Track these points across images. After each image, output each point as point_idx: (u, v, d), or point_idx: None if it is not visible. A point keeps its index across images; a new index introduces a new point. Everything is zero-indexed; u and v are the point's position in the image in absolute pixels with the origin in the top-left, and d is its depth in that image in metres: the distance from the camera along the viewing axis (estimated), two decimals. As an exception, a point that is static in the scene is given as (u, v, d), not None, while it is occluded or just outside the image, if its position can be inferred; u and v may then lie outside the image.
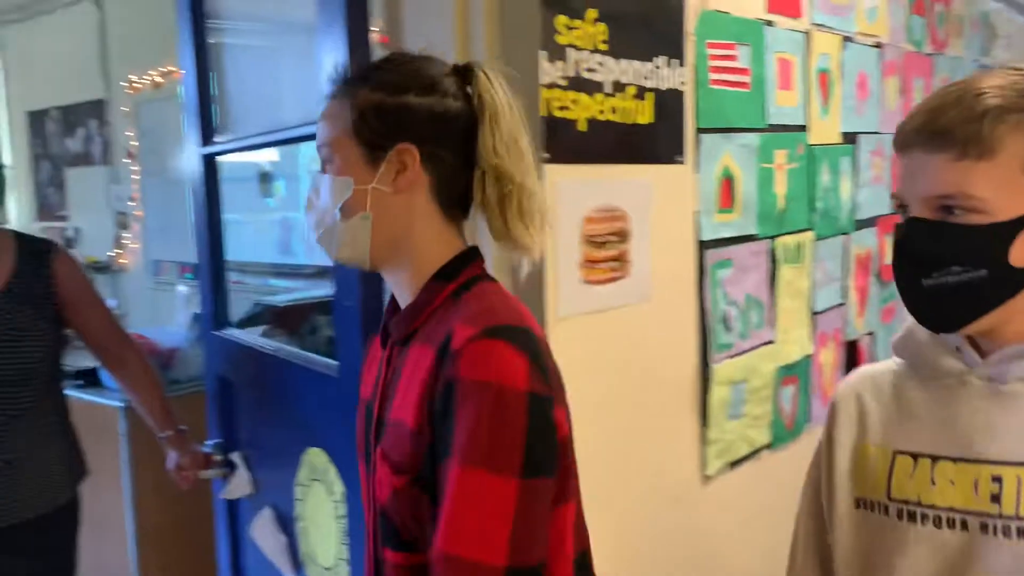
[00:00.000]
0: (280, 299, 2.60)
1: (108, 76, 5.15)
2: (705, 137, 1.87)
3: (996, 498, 0.91)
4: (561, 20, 1.53)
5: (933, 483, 0.95)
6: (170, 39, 4.58)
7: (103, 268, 5.04)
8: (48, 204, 5.74)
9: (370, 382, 1.10)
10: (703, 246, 1.89)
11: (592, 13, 1.59)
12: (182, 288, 3.41)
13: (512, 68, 1.40)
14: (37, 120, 5.84)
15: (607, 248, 1.64)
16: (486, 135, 0.97)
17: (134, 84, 4.90)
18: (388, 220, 0.99)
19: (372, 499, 1.04)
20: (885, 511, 0.99)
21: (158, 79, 4.76)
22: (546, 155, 1.50)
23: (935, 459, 0.96)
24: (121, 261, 5.17)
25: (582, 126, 1.58)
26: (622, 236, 1.67)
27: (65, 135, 5.59)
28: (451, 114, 0.99)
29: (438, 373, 0.91)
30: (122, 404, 2.67)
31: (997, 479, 0.91)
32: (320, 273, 3.24)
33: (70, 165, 5.61)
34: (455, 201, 1.02)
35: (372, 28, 1.56)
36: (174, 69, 4.62)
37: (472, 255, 1.03)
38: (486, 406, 0.86)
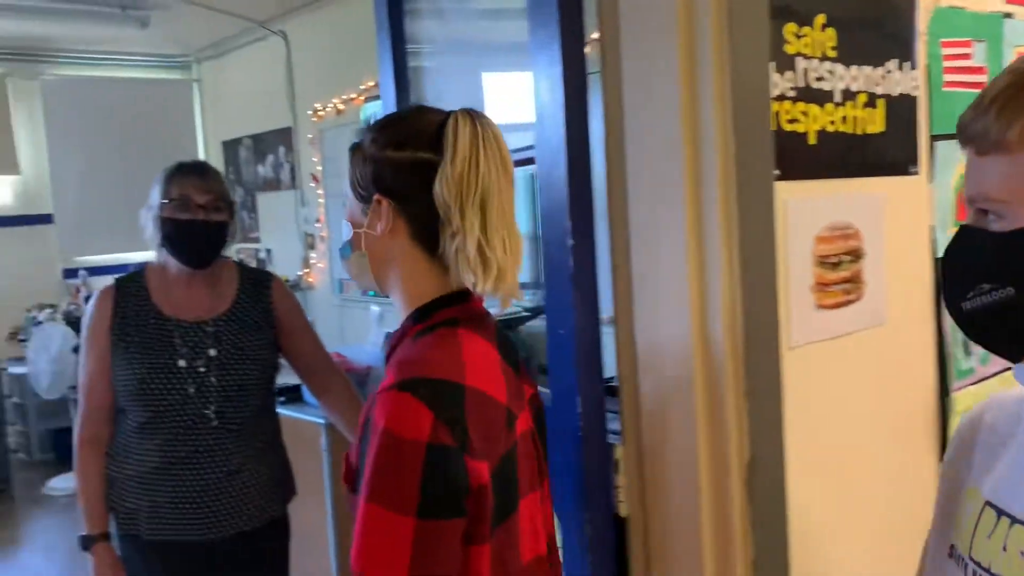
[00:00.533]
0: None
1: (294, 106, 5.44)
2: (939, 145, 1.72)
3: None
4: (790, 28, 1.43)
5: (1004, 549, 0.75)
6: (350, 69, 4.80)
7: (293, 287, 5.31)
8: (242, 227, 6.13)
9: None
10: (939, 263, 1.73)
11: (820, 18, 1.48)
12: (375, 308, 3.52)
13: (741, 82, 1.34)
14: (231, 149, 6.25)
15: (840, 269, 1.52)
16: (436, 181, 1.03)
17: (318, 112, 5.15)
18: (378, 259, 1.12)
19: None
20: (965, 569, 0.80)
21: (340, 106, 4.98)
22: (776, 172, 1.40)
23: (1014, 521, 0.75)
24: (309, 280, 5.44)
25: (812, 139, 1.47)
26: (855, 255, 1.54)
27: (256, 162, 5.95)
28: (418, 165, 1.05)
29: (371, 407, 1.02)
30: (323, 421, 2.75)
31: None
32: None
33: (261, 190, 5.96)
34: (438, 244, 1.07)
35: (587, 46, 1.52)
36: (355, 96, 4.82)
37: (454, 299, 1.09)
38: (384, 452, 0.95)
